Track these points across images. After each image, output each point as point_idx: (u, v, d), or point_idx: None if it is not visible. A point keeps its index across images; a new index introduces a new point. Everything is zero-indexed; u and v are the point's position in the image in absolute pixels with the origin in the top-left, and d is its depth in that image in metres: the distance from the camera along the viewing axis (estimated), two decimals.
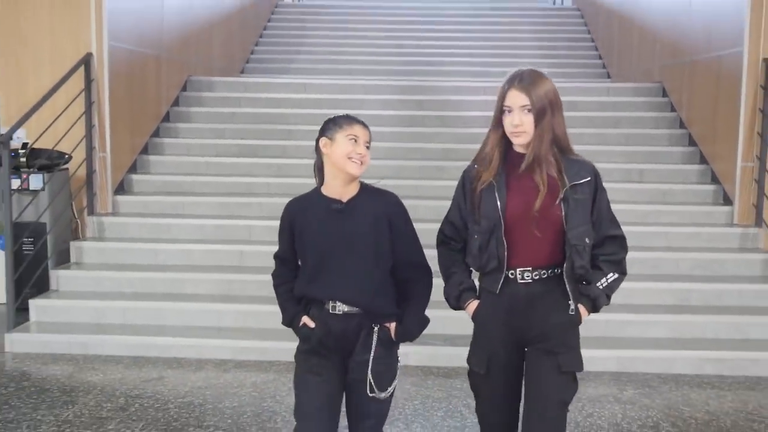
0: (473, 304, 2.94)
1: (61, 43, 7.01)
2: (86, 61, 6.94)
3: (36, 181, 6.59)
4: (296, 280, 2.98)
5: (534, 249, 2.80)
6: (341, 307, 2.87)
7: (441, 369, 5.39)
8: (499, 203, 2.78)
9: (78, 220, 7.05)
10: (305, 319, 2.93)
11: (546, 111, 2.77)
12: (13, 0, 7.04)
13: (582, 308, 2.87)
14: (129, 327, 5.92)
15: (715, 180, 7.43)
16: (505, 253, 2.79)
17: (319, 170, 2.96)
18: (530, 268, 2.81)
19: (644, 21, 9.74)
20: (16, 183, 6.50)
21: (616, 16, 11.15)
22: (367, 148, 2.88)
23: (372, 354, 2.88)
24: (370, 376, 2.88)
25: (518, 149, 2.83)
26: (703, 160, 7.73)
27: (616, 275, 2.91)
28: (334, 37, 12.49)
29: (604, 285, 2.88)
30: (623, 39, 10.75)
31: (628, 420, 4.56)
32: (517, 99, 2.76)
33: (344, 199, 2.89)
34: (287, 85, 9.45)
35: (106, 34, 7.04)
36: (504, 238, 2.78)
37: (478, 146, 2.92)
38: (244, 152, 8.12)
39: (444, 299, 3.03)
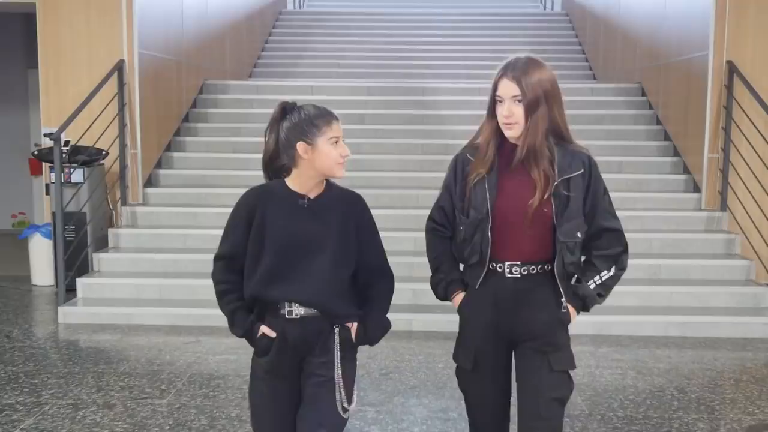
0: (459, 296, 2.84)
1: (96, 51, 7.80)
2: (119, 68, 7.73)
3: (77, 175, 7.36)
4: (244, 281, 2.75)
5: (523, 244, 2.70)
6: (298, 311, 2.70)
7: (440, 333, 6.15)
8: (488, 197, 2.69)
9: (113, 210, 7.84)
10: (264, 329, 2.73)
11: (539, 101, 2.65)
12: (54, 13, 7.83)
13: (571, 309, 2.77)
14: (165, 301, 6.71)
15: (686, 170, 8.23)
16: (489, 249, 2.70)
17: (272, 166, 2.79)
18: (519, 263, 2.71)
19: (627, 26, 10.53)
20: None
21: (602, 21, 11.93)
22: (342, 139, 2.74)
23: (336, 358, 2.73)
24: (340, 382, 2.73)
25: (513, 140, 2.73)
26: (676, 153, 8.53)
27: (611, 272, 2.78)
28: (336, 42, 13.22)
29: (597, 283, 2.77)
30: (608, 43, 11.54)
31: (601, 369, 5.36)
32: (508, 89, 2.66)
33: (311, 196, 2.75)
34: (295, 88, 10.23)
35: (136, 42, 7.84)
36: (489, 233, 2.69)
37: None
38: (258, 149, 8.84)
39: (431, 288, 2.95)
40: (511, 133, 2.68)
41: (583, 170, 2.71)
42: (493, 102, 2.72)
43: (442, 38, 13.24)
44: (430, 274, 2.93)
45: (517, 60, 2.71)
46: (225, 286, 2.77)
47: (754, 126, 7.23)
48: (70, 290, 6.87)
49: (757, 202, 7.12)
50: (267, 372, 2.76)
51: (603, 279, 2.77)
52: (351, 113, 9.30)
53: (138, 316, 6.49)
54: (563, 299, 2.72)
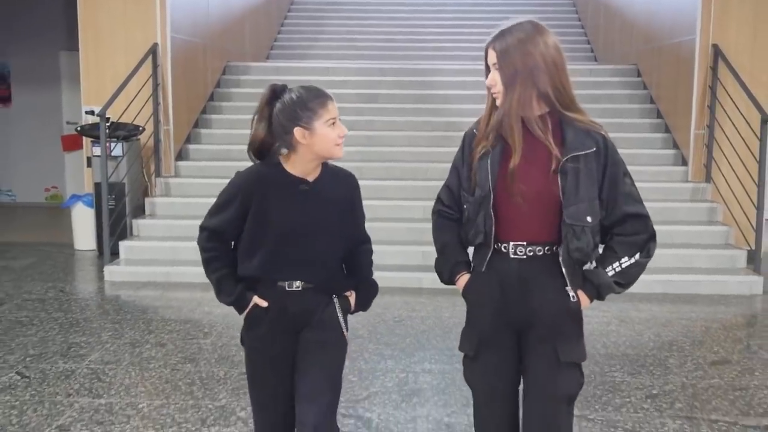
0: (464, 278, 2.67)
1: (132, 35, 8.49)
2: (153, 51, 8.42)
3: (117, 149, 8.06)
4: (240, 259, 2.77)
5: (528, 223, 2.53)
6: (298, 283, 2.74)
7: (447, 290, 6.82)
8: (490, 172, 2.53)
9: (148, 182, 8.56)
10: (257, 299, 2.75)
11: (516, 66, 2.49)
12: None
13: (582, 295, 2.56)
14: (199, 261, 7.40)
15: (675, 146, 8.90)
16: (493, 228, 2.55)
17: (260, 151, 2.75)
18: (524, 243, 2.54)
19: (625, 10, 11.15)
20: (98, 150, 7.99)
21: (603, 5, 12.54)
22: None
23: (343, 324, 2.81)
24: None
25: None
26: (666, 130, 9.20)
27: (634, 260, 2.56)
28: (349, 25, 13.84)
29: (616, 271, 2.56)
30: (608, 25, 12.16)
31: (588, 318, 6.02)
32: (490, 57, 2.58)
33: (310, 179, 2.73)
34: (312, 69, 10.90)
35: (169, 27, 8.53)
36: (492, 211, 2.54)
37: (476, 119, 2.77)
38: None
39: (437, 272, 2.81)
40: (498, 102, 2.56)
41: (595, 149, 2.51)
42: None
43: (449, 21, 13.85)
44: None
45: (504, 27, 2.60)
46: (212, 253, 2.77)
47: (735, 106, 7.88)
48: (113, 253, 7.60)
49: (737, 175, 7.79)
50: (262, 343, 2.78)
51: (623, 266, 2.55)
52: (365, 93, 10.02)
53: (175, 275, 7.22)
54: (568, 287, 2.54)
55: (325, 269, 2.76)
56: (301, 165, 2.69)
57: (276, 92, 2.72)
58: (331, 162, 2.78)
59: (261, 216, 2.67)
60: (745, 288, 6.98)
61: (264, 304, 2.73)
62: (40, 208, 11.97)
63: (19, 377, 4.71)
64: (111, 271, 7.29)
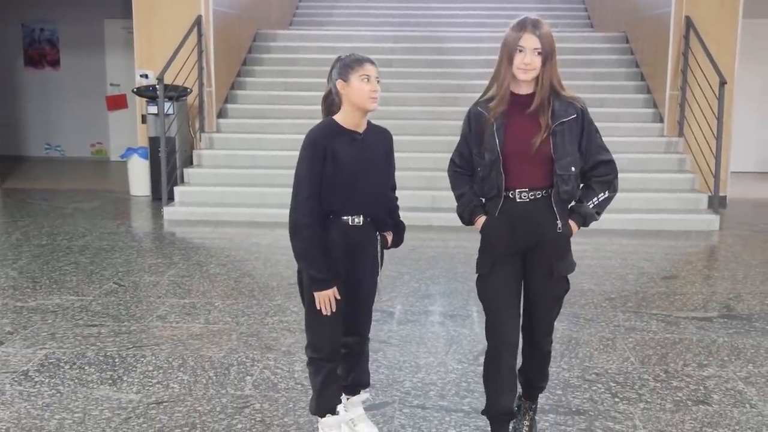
0: (481, 219, 3.37)
1: (179, 7, 9.72)
2: (198, 22, 9.66)
3: (168, 108, 9.33)
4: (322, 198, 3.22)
5: (529, 175, 3.24)
6: (359, 219, 3.29)
7: (453, 228, 8.11)
8: (497, 141, 3.21)
9: (194, 137, 9.85)
10: (334, 293, 3.27)
11: (549, 56, 3.18)
12: None
13: (573, 223, 3.30)
14: (243, 203, 8.76)
15: (654, 105, 10.12)
16: (503, 184, 3.23)
17: (326, 102, 3.33)
18: (527, 189, 3.24)
19: None
20: (153, 109, 9.29)
21: None
22: (378, 81, 3.25)
23: (380, 259, 3.45)
24: (381, 276, 3.49)
25: (521, 87, 3.24)
26: (648, 91, 10.42)
27: (606, 194, 3.34)
28: None
29: (594, 203, 3.32)
30: None
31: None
32: (530, 41, 3.15)
33: (360, 131, 3.29)
34: (335, 36, 12.10)
35: (211, 0, 9.77)
36: (502, 169, 3.22)
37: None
38: (305, 87, 10.79)
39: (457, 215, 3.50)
40: (527, 76, 3.18)
41: (576, 115, 3.24)
42: (513, 51, 3.18)
43: None
44: (455, 204, 3.48)
45: (534, 19, 3.21)
46: (313, 229, 3.22)
47: (702, 71, 9.08)
48: (169, 198, 8.92)
49: (702, 131, 9.03)
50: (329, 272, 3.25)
51: (600, 199, 3.32)
52: (381, 58, 11.19)
53: (223, 214, 8.54)
54: (558, 221, 3.26)
55: (379, 206, 3.37)
56: (348, 117, 3.26)
57: (338, 59, 3.32)
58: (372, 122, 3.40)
59: (333, 162, 3.19)
60: (704, 225, 8.29)
61: (337, 299, 3.29)
62: (86, 161, 13.31)
63: (116, 286, 6.05)
64: (169, 212, 8.62)
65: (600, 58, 11.33)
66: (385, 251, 3.51)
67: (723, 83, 8.42)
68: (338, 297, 3.26)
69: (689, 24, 9.27)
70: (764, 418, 3.89)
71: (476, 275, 3.44)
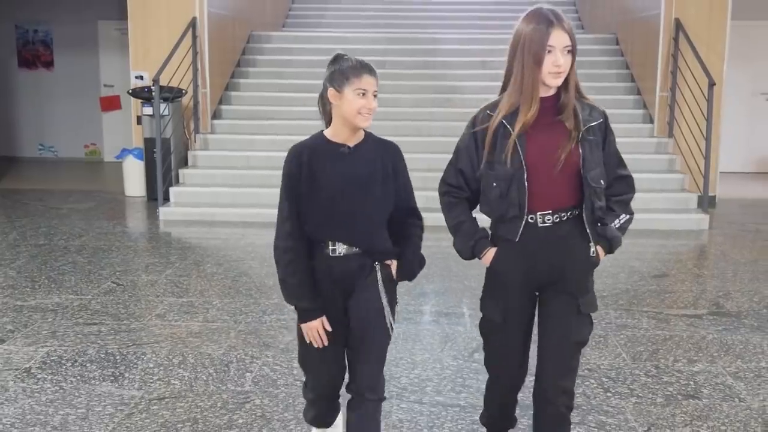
0: (490, 252, 2.87)
1: (174, 9, 9.79)
2: (193, 23, 9.73)
3: (163, 109, 9.39)
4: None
5: (554, 192, 2.75)
6: (341, 249, 2.88)
7: (445, 227, 8.24)
8: (520, 150, 2.71)
9: (189, 137, 9.92)
10: (322, 324, 2.91)
11: (575, 54, 2.72)
12: None
13: (600, 250, 2.84)
14: (237, 204, 8.84)
15: (644, 106, 10.24)
16: (526, 201, 2.73)
17: (321, 104, 2.95)
18: (550, 211, 2.75)
19: None
20: (148, 110, 9.35)
21: None
22: (375, 96, 2.85)
23: (381, 290, 2.92)
24: (387, 308, 2.94)
25: (547, 91, 2.76)
26: (638, 92, 10.54)
27: (627, 216, 2.91)
28: None
29: (617, 226, 2.87)
30: None
31: None
32: (561, 39, 2.66)
33: (351, 145, 2.90)
34: (328, 38, 12.17)
35: (206, 2, 9.83)
36: (527, 183, 2.72)
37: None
38: (299, 89, 10.85)
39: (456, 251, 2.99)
40: (557, 82, 2.70)
41: (601, 120, 2.80)
42: (542, 51, 2.67)
43: None
44: (452, 238, 2.99)
45: (554, 10, 2.71)
46: (291, 254, 2.88)
47: (691, 72, 9.20)
48: (164, 198, 8.99)
49: (691, 132, 9.15)
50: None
51: (622, 222, 2.89)
52: (374, 59, 11.20)
53: (218, 215, 8.62)
54: (591, 243, 2.78)
55: (366, 232, 2.89)
56: (337, 129, 2.90)
57: (334, 59, 2.89)
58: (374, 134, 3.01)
59: (312, 181, 2.86)
60: (694, 224, 8.41)
61: (329, 328, 2.93)
62: (79, 162, 13.37)
63: (115, 285, 6.11)
64: (164, 212, 8.69)
65: (590, 60, 11.42)
66: (392, 285, 3.01)
67: (712, 84, 8.54)
68: (328, 328, 2.92)
69: (679, 26, 9.39)
70: (752, 412, 3.99)
71: (480, 315, 3.01)
